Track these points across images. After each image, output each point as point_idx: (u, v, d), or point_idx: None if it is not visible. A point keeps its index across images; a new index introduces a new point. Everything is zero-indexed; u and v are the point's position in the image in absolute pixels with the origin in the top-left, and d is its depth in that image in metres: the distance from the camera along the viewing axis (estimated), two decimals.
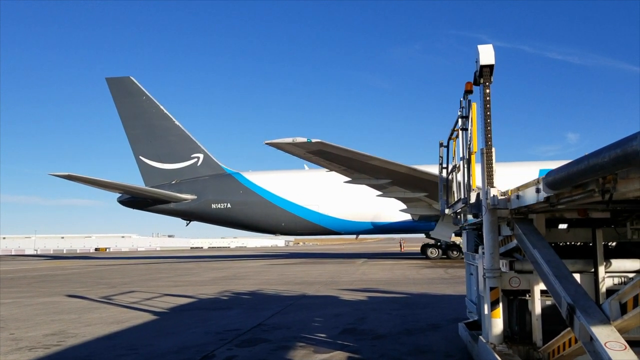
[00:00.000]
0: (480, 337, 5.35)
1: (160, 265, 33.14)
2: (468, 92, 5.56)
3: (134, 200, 38.19)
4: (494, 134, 5.03)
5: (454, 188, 6.81)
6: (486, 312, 5.03)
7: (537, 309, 4.98)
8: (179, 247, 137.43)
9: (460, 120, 5.84)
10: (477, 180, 5.33)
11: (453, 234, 28.96)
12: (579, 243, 5.46)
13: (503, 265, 5.09)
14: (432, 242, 35.30)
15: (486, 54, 5.07)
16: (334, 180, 32.76)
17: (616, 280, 4.91)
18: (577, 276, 4.66)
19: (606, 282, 4.87)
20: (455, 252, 32.29)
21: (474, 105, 5.39)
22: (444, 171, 7.35)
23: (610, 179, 2.89)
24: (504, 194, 4.73)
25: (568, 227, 5.21)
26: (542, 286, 4.78)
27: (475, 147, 5.37)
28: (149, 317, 10.03)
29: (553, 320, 4.68)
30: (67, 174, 33.36)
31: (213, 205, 36.76)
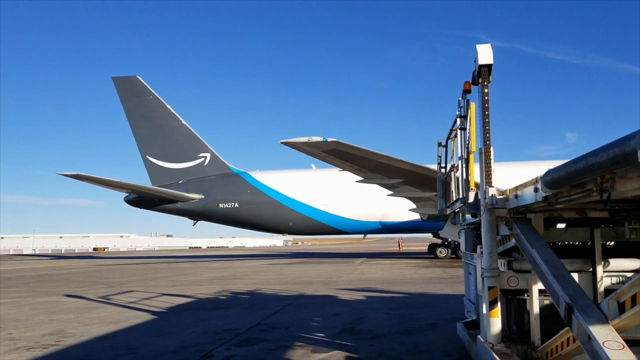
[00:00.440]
0: (479, 336, 5.35)
1: (159, 265, 33.11)
2: (466, 91, 5.56)
3: (141, 199, 38.09)
4: (492, 133, 5.03)
5: (453, 187, 6.82)
6: (484, 311, 5.03)
7: (536, 308, 4.98)
8: (178, 246, 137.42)
9: (458, 119, 5.83)
10: (476, 179, 5.33)
11: None
12: (577, 242, 5.46)
13: (501, 264, 5.09)
14: (439, 241, 35.36)
15: (484, 54, 5.07)
16: (342, 179, 32.77)
17: (614, 280, 4.91)
18: (575, 275, 4.66)
19: (604, 281, 4.88)
20: None
21: (473, 105, 5.39)
22: (442, 171, 7.36)
23: (608, 178, 2.89)
24: (502, 193, 4.73)
25: (566, 226, 5.21)
26: (540, 285, 4.78)
27: (473, 146, 5.37)
28: (147, 316, 10.02)
29: (551, 319, 4.68)
30: (75, 173, 33.28)
31: (220, 205, 36.71)
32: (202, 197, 36.96)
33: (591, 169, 2.77)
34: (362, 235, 39.92)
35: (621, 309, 3.20)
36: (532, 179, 3.91)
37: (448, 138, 6.88)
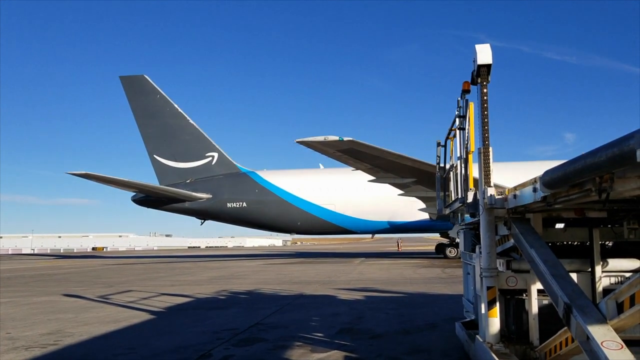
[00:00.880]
0: (477, 336, 5.36)
1: (158, 265, 33.10)
2: (465, 91, 5.56)
3: (148, 199, 38.03)
4: (491, 133, 5.03)
5: (452, 187, 6.82)
6: (483, 311, 5.03)
7: (534, 308, 4.98)
8: (177, 246, 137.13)
9: (457, 119, 5.84)
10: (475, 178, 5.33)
11: None
12: (575, 242, 5.46)
13: (500, 264, 5.09)
14: (446, 241, 35.39)
15: (483, 54, 5.07)
16: (350, 179, 32.69)
17: (613, 280, 4.91)
18: (574, 275, 4.67)
19: (603, 281, 4.88)
20: None
21: (472, 105, 5.39)
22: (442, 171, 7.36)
23: (607, 178, 2.89)
24: (500, 193, 4.73)
25: (565, 226, 5.21)
26: (539, 285, 4.78)
27: (472, 146, 5.37)
28: (146, 316, 10.01)
29: (550, 319, 4.68)
30: (84, 172, 33.22)
31: (228, 205, 36.68)
32: (210, 196, 36.95)
33: (590, 169, 2.77)
34: (370, 235, 39.94)
35: (620, 309, 3.20)
36: (531, 179, 3.91)
37: (447, 138, 6.89)
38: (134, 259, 44.96)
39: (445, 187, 7.38)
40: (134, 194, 38.25)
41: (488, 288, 4.92)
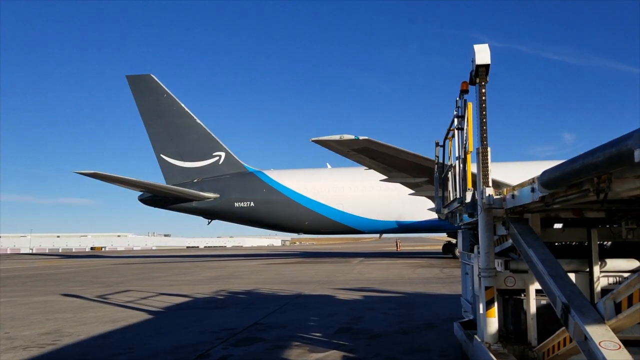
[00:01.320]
0: (476, 336, 5.36)
1: (156, 265, 33.07)
2: (464, 91, 5.56)
3: (155, 198, 37.94)
4: (489, 133, 5.03)
5: (450, 187, 6.82)
6: (481, 311, 5.03)
7: (532, 308, 4.98)
8: (175, 246, 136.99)
9: (456, 119, 5.84)
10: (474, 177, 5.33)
11: None
12: (574, 243, 5.46)
13: (498, 264, 5.09)
14: (454, 241, 35.36)
15: (482, 54, 5.06)
16: (358, 178, 32.53)
17: (611, 280, 4.91)
18: (572, 276, 4.67)
19: (601, 281, 4.88)
20: None
21: (470, 105, 5.39)
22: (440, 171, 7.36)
23: (604, 179, 2.89)
24: (499, 193, 4.73)
25: (563, 226, 5.22)
26: (537, 285, 4.78)
27: (471, 146, 5.37)
28: (144, 316, 10.00)
29: (548, 319, 4.69)
30: (93, 172, 33.15)
31: (236, 204, 36.60)
32: (218, 196, 36.89)
33: (588, 169, 2.77)
34: (377, 235, 39.86)
35: (617, 309, 3.20)
36: (529, 179, 3.91)
37: (445, 138, 6.89)
38: (132, 259, 44.92)
39: (443, 187, 7.39)
40: (141, 193, 38.20)
41: (486, 288, 4.92)
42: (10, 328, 8.71)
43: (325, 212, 35.73)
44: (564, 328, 3.73)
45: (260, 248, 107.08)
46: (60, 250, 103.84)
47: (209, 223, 39.24)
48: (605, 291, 4.71)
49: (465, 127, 5.48)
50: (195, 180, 38.04)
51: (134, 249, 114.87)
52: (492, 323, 4.90)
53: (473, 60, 5.11)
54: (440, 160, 7.49)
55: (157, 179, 39.10)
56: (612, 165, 2.55)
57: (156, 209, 39.08)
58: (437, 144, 7.42)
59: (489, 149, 5.02)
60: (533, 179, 3.78)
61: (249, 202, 36.59)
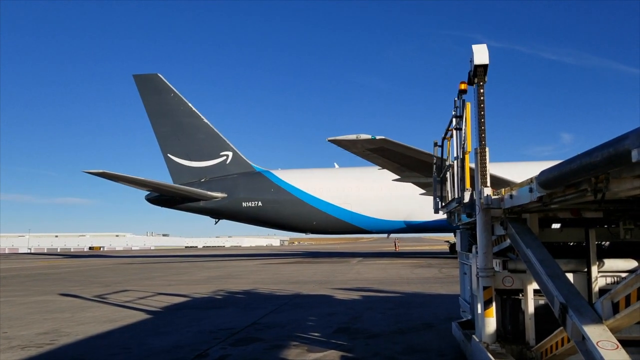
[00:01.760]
0: (474, 336, 5.36)
1: (155, 265, 33.03)
2: (462, 91, 5.56)
3: (162, 198, 37.95)
4: (488, 133, 5.03)
5: (448, 187, 6.83)
6: (479, 311, 5.04)
7: (530, 308, 4.99)
8: (174, 246, 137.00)
9: (454, 120, 5.84)
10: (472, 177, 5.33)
11: None
12: (572, 243, 5.47)
13: (496, 264, 5.09)
14: None
15: (480, 54, 5.07)
16: (366, 178, 32.46)
17: (609, 280, 4.92)
18: (570, 276, 4.67)
19: (599, 281, 4.88)
20: None
21: (468, 105, 5.40)
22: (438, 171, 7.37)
23: (602, 179, 2.89)
24: (497, 193, 4.74)
25: (561, 226, 5.22)
26: (535, 285, 4.79)
27: (469, 146, 5.37)
28: (142, 316, 9.99)
29: (546, 319, 4.69)
30: (101, 171, 33.19)
31: (244, 204, 36.61)
32: (225, 195, 36.89)
33: (585, 169, 2.77)
34: (385, 235, 39.89)
35: (615, 309, 3.20)
36: (527, 179, 3.92)
37: (444, 138, 6.89)
38: (130, 259, 44.88)
39: (442, 187, 7.40)
40: (147, 193, 38.16)
41: (484, 288, 4.93)
42: (8, 328, 8.70)
43: (333, 211, 35.71)
44: (561, 328, 3.73)
45: (259, 248, 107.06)
46: (58, 250, 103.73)
47: (216, 223, 39.30)
48: (603, 291, 4.71)
49: (463, 127, 5.49)
50: (203, 180, 38.06)
51: (133, 248, 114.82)
52: (490, 323, 4.90)
53: (471, 61, 5.11)
54: (439, 161, 7.49)
55: (164, 179, 39.18)
56: (609, 165, 2.55)
57: (159, 208, 39.24)
58: (435, 144, 7.44)
59: (487, 149, 5.03)
60: (531, 179, 3.78)
61: (256, 202, 36.61)
